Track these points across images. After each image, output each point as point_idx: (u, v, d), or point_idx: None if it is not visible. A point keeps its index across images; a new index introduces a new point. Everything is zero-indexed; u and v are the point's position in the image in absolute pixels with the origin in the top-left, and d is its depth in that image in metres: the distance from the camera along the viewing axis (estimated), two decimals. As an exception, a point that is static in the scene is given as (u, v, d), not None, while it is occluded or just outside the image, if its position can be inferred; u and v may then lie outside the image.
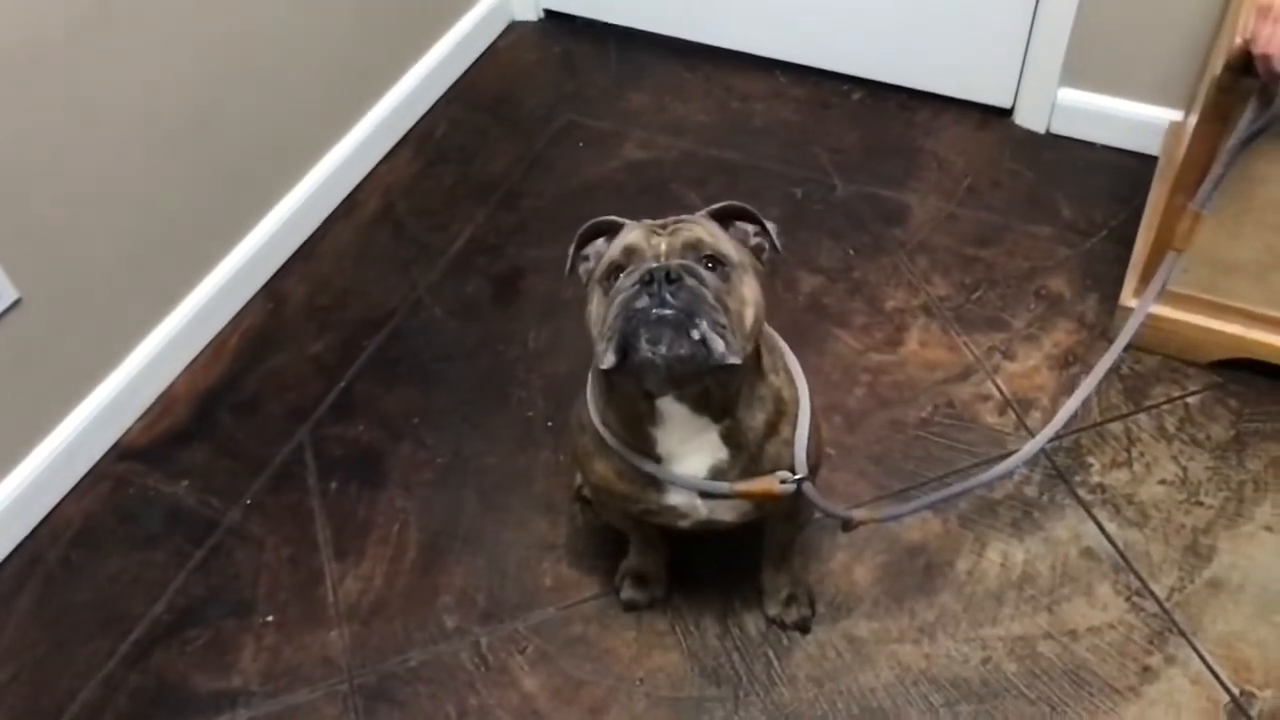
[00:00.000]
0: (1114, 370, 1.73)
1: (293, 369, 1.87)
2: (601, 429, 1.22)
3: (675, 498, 1.22)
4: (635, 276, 1.06)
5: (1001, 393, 1.76)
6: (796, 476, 1.20)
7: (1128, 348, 1.61)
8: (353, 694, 1.47)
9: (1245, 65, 1.38)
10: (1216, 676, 1.42)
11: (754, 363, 1.16)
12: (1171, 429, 1.69)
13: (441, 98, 2.37)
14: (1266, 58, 1.34)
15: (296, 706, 1.46)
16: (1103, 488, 1.63)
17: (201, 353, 1.90)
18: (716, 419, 1.16)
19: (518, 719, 1.43)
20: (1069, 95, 2.15)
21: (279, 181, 2.02)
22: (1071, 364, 1.79)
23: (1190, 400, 1.73)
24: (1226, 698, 1.41)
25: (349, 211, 2.15)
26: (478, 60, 2.47)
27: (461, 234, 2.09)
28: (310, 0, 1.95)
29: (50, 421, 1.68)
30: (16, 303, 1.56)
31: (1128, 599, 1.50)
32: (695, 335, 1.03)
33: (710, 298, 1.05)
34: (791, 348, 1.28)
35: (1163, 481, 1.63)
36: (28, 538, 1.65)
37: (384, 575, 1.59)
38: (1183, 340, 1.74)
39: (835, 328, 1.87)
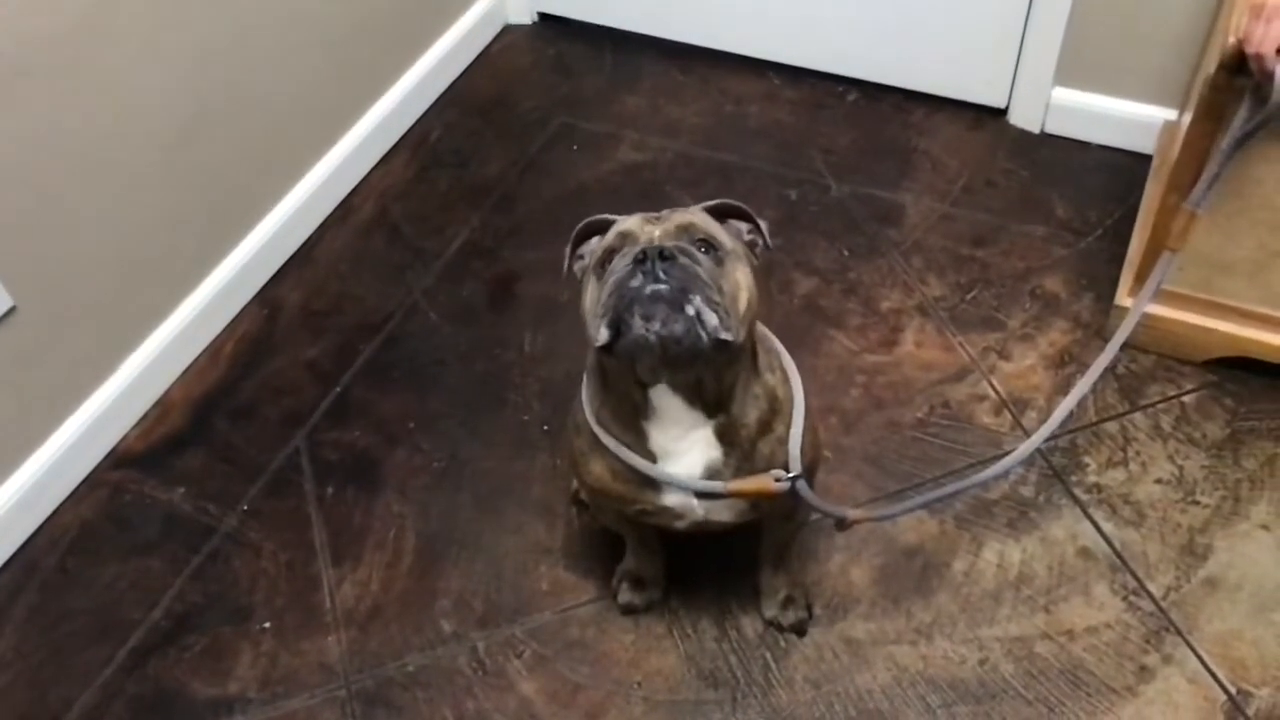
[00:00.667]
0: (1109, 370, 1.73)
1: (289, 374, 1.87)
2: (596, 427, 1.22)
3: (671, 498, 1.22)
4: (629, 257, 1.06)
5: (997, 393, 1.76)
6: (791, 474, 1.20)
7: (1123, 347, 1.60)
8: (350, 699, 1.47)
9: (1239, 64, 1.39)
10: (1213, 675, 1.42)
11: (749, 359, 1.16)
12: (1167, 428, 1.70)
13: (436, 102, 2.37)
14: (1260, 57, 1.35)
15: (294, 712, 1.46)
16: (1099, 487, 1.63)
17: (197, 359, 1.89)
18: (710, 414, 1.16)
19: (515, 723, 1.43)
20: (1063, 95, 2.15)
21: (273, 187, 2.02)
22: (1067, 364, 1.79)
23: (1186, 399, 1.73)
24: (1223, 696, 1.41)
25: (344, 217, 2.15)
26: (472, 64, 2.47)
27: (456, 238, 2.09)
28: (305, 6, 1.95)
29: (46, 428, 1.68)
30: (11, 310, 1.55)
31: (1124, 599, 1.50)
32: (689, 311, 1.02)
33: (704, 275, 1.05)
34: (787, 349, 1.28)
35: (1159, 481, 1.63)
36: (24, 545, 1.65)
37: (381, 580, 1.59)
38: (1178, 339, 1.75)
39: (830, 329, 1.87)
